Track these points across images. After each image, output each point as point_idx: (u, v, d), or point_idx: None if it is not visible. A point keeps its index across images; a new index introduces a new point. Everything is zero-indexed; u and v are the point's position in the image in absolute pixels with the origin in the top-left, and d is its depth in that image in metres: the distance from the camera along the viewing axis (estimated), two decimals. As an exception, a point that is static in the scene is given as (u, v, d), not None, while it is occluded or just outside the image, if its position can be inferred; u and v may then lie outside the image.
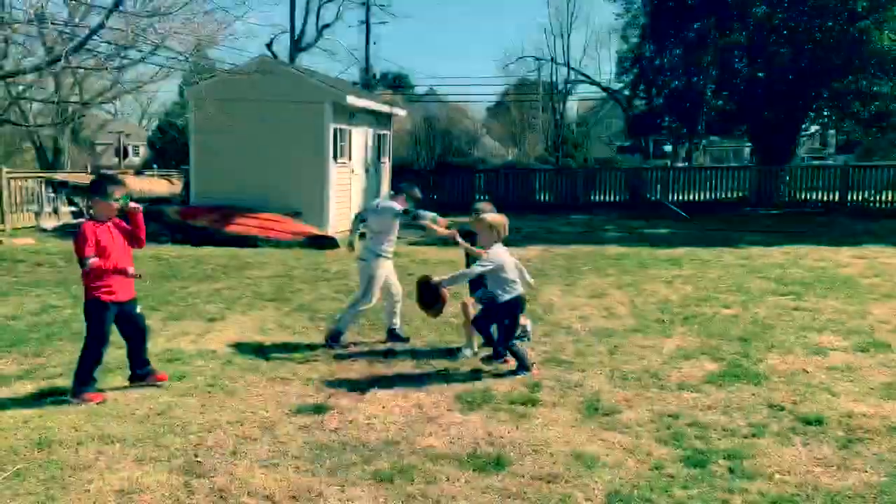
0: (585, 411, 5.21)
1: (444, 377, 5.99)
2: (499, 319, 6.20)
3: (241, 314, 8.41)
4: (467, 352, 6.61)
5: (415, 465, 4.29)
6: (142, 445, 4.53)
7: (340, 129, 15.72)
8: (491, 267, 6.11)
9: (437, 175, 24.80)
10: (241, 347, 6.91)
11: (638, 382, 5.87)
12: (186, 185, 17.29)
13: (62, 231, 16.21)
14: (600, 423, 5.02)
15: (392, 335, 7.27)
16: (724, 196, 23.24)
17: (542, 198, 23.84)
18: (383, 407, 5.29)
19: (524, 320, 6.86)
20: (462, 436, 4.76)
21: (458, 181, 24.06)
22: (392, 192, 7.45)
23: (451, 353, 6.64)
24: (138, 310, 5.57)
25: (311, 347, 6.88)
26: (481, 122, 54.33)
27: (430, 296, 6.44)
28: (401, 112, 21.76)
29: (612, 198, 23.52)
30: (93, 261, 5.13)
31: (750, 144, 39.08)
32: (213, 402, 5.35)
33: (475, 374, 6.02)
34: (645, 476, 4.18)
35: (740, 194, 23.34)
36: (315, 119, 15.14)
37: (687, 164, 35.96)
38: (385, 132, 18.88)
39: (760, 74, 23.88)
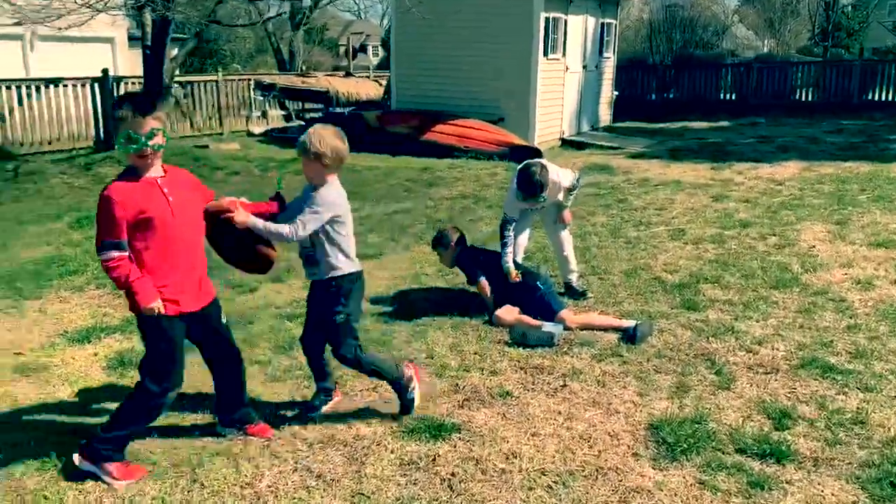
0: (876, 484, 3.05)
1: (638, 386, 4.04)
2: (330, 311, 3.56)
3: (404, 249, 6.95)
4: (554, 329, 4.66)
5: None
6: (178, 476, 3.19)
7: (553, 19, 13.40)
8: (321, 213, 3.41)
9: (675, 70, 21.50)
10: (382, 302, 5.43)
11: (969, 426, 3.52)
12: (388, 89, 16.11)
13: (268, 136, 15.87)
14: (903, 518, 2.86)
15: (568, 288, 5.53)
16: None
17: (803, 97, 19.70)
18: (533, 434, 3.51)
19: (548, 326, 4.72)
20: (649, 520, 2.88)
21: (700, 77, 20.62)
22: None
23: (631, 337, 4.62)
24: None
25: (466, 312, 5.18)
26: (733, 8, 47.88)
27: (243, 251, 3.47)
28: (632, -3, 18.70)
29: (897, 97, 18.84)
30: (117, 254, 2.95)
31: None
32: (300, 400, 3.90)
33: (684, 387, 4.00)
34: None
35: None
36: (523, 6, 12.96)
37: None
38: (611, 21, 16.15)
39: None
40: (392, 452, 3.37)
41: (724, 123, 17.18)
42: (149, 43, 14.21)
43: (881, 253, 6.32)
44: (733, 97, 20.03)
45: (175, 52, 15.08)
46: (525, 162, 5.24)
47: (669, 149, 13.18)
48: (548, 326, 4.68)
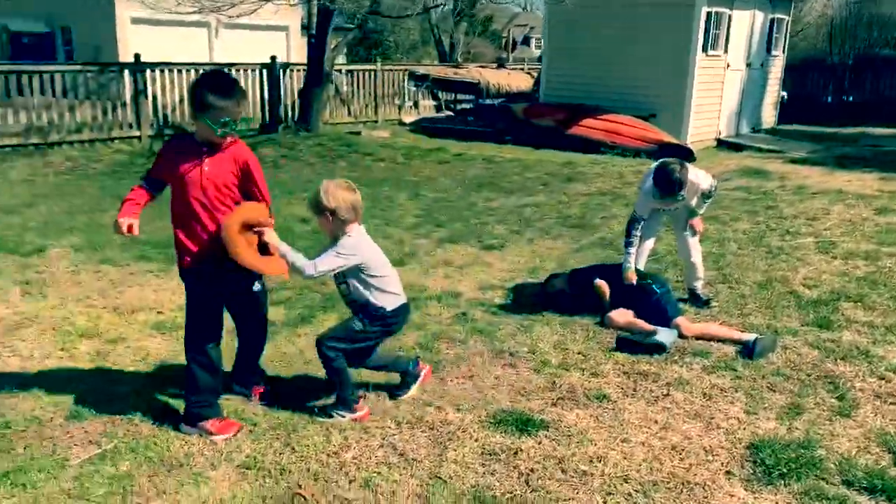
0: None
1: (747, 402, 3.81)
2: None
3: (527, 243, 6.92)
4: (668, 336, 4.47)
5: None
6: (273, 438, 3.39)
7: (716, 13, 12.76)
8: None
9: (855, 71, 19.83)
10: (495, 293, 5.45)
11: None
12: (537, 82, 16.02)
13: (417, 126, 16.27)
14: None
15: (692, 295, 5.31)
16: None
17: None
18: (623, 440, 3.41)
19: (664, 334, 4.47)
20: (728, 542, 2.73)
21: (886, 78, 18.87)
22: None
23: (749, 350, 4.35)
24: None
25: (578, 311, 5.09)
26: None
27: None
28: (810, -9, 17.43)
29: None
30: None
31: None
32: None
33: (797, 409, 3.72)
34: None
35: None
36: (683, 1, 12.46)
37: None
38: (782, 17, 15.15)
39: None
40: (476, 441, 3.40)
41: (909, 131, 15.67)
42: (313, 32, 14.98)
43: None
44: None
45: (337, 41, 15.78)
46: (661, 160, 5.07)
47: (836, 155, 12.20)
48: (662, 332, 4.50)
